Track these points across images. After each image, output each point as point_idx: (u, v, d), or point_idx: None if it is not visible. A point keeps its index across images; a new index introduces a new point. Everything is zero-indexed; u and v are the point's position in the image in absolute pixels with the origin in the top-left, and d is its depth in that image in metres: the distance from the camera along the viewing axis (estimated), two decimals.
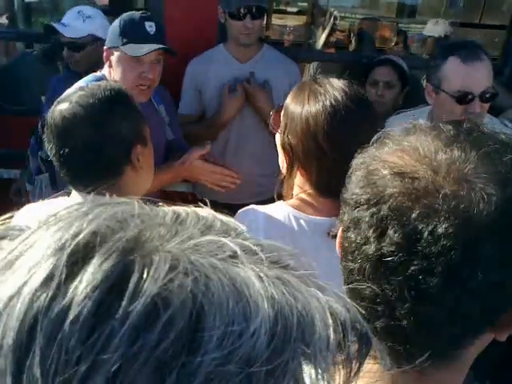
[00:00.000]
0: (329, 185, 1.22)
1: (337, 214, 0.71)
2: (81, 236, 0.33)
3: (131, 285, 0.30)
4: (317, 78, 1.35)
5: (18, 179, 2.60)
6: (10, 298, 0.31)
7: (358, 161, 0.64)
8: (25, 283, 0.31)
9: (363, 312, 0.60)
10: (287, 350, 0.31)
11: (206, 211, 0.39)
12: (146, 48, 1.94)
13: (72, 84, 1.86)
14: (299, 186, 1.31)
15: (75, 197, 1.35)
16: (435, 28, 3.85)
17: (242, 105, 2.44)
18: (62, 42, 2.47)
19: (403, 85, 2.79)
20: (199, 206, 0.40)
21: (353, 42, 4.19)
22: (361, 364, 0.36)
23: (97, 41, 2.41)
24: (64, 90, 1.61)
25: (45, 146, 1.38)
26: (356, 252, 0.61)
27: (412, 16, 6.79)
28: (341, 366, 0.35)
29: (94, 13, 2.54)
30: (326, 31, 4.12)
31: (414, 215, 0.55)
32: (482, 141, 0.59)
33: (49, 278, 0.31)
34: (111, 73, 2.02)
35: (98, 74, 2.05)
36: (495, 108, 2.29)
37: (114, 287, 0.30)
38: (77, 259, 0.32)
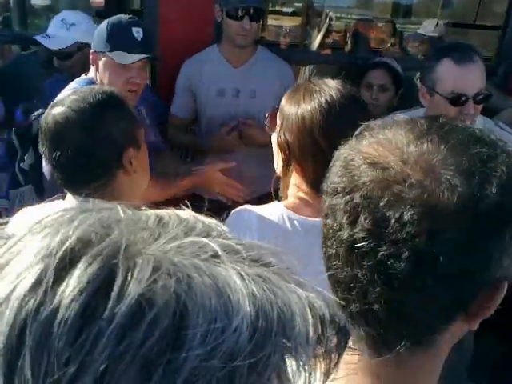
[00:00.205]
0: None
1: None
2: (67, 242, 0.34)
3: (116, 287, 0.31)
4: (312, 79, 1.39)
5: None
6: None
7: (339, 152, 0.67)
8: (13, 289, 0.32)
9: (340, 297, 0.63)
10: (269, 344, 0.32)
11: (187, 213, 0.40)
12: (134, 57, 1.94)
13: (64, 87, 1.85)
14: (295, 184, 1.33)
15: (70, 200, 1.36)
16: (429, 28, 3.86)
17: (235, 147, 2.46)
18: (51, 52, 2.46)
19: (398, 87, 2.80)
20: (181, 209, 0.41)
21: (349, 43, 4.19)
22: (340, 355, 0.38)
23: (84, 47, 2.38)
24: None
25: (26, 157, 1.37)
26: (333, 238, 0.64)
27: (407, 16, 6.81)
28: (321, 358, 0.36)
29: (78, 19, 2.51)
30: (322, 32, 4.12)
31: (382, 203, 0.58)
32: (452, 134, 0.61)
33: (37, 284, 0.32)
34: (97, 76, 2.01)
35: (84, 76, 2.05)
36: (489, 109, 2.30)
37: (99, 290, 0.32)
38: (64, 265, 0.33)
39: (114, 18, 2.00)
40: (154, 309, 0.31)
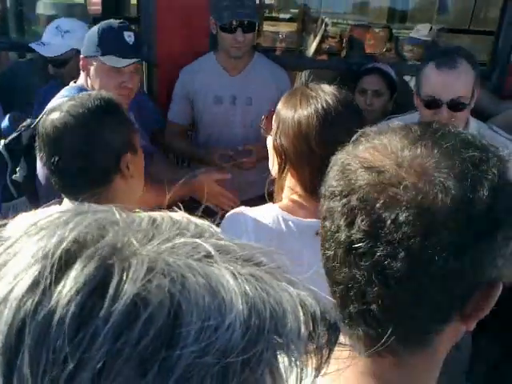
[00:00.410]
0: (319, 186, 1.24)
1: None
2: (63, 244, 0.34)
3: (112, 287, 0.32)
4: (308, 84, 1.40)
5: None
6: None
7: (336, 157, 0.69)
8: (11, 289, 0.33)
9: (339, 298, 0.64)
10: (261, 340, 0.33)
11: (180, 215, 0.41)
12: (126, 60, 1.94)
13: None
14: (290, 187, 1.34)
15: (67, 205, 1.36)
16: (423, 32, 3.88)
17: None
18: (46, 59, 2.46)
19: (392, 92, 2.81)
20: (174, 211, 0.42)
21: (345, 48, 4.21)
22: (331, 351, 0.38)
23: (79, 53, 2.39)
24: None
25: (18, 169, 1.36)
26: (331, 240, 0.65)
27: (403, 22, 6.84)
28: (313, 354, 0.37)
29: (73, 26, 2.51)
30: (318, 38, 4.13)
31: (378, 205, 0.60)
32: (445, 139, 0.63)
33: (35, 284, 0.33)
34: (88, 82, 2.00)
35: (74, 84, 2.03)
36: (483, 113, 2.31)
37: (95, 290, 0.32)
38: (60, 266, 0.33)
39: (104, 23, 1.99)
40: (149, 308, 0.32)
